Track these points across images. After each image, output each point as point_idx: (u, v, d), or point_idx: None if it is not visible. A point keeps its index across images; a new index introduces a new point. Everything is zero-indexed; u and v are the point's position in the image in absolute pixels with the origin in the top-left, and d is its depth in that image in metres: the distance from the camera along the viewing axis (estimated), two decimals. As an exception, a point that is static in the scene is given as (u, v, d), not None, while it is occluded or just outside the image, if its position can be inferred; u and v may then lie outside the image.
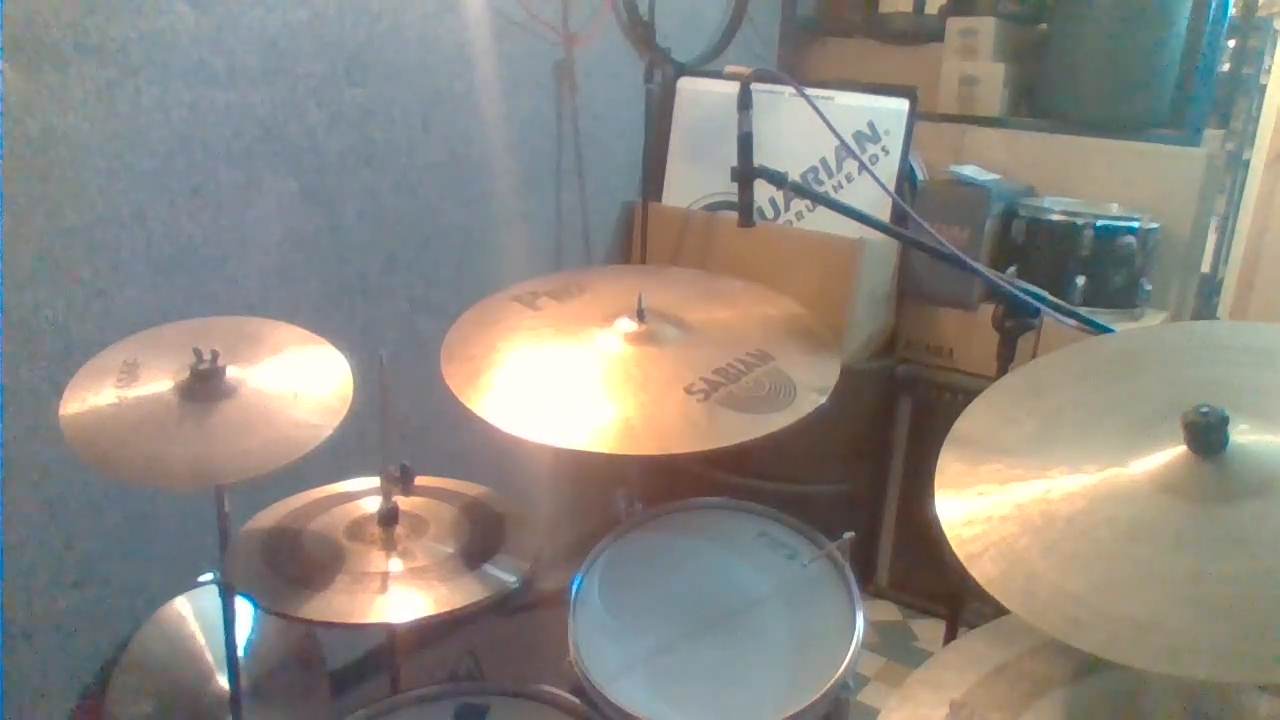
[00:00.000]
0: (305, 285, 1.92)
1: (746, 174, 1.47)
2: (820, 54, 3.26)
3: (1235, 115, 3.54)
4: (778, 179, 1.47)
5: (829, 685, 1.16)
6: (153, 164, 1.62)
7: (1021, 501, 0.90)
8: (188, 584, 1.74)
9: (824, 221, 2.35)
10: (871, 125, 2.44)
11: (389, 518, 1.37)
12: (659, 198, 2.67)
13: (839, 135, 1.47)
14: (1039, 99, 2.87)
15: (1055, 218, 2.44)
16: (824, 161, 2.48)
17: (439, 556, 1.34)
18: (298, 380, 1.32)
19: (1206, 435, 0.84)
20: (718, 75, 2.28)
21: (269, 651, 1.74)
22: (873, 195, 2.32)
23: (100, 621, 1.68)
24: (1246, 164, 3.67)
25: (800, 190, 1.55)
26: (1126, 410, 0.97)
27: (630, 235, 2.68)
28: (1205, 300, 3.55)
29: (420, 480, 1.47)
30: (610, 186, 2.64)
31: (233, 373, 1.28)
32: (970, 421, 1.04)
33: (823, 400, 1.32)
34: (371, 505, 1.42)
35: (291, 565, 1.31)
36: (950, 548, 0.89)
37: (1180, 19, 2.64)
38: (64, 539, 1.61)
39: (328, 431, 1.25)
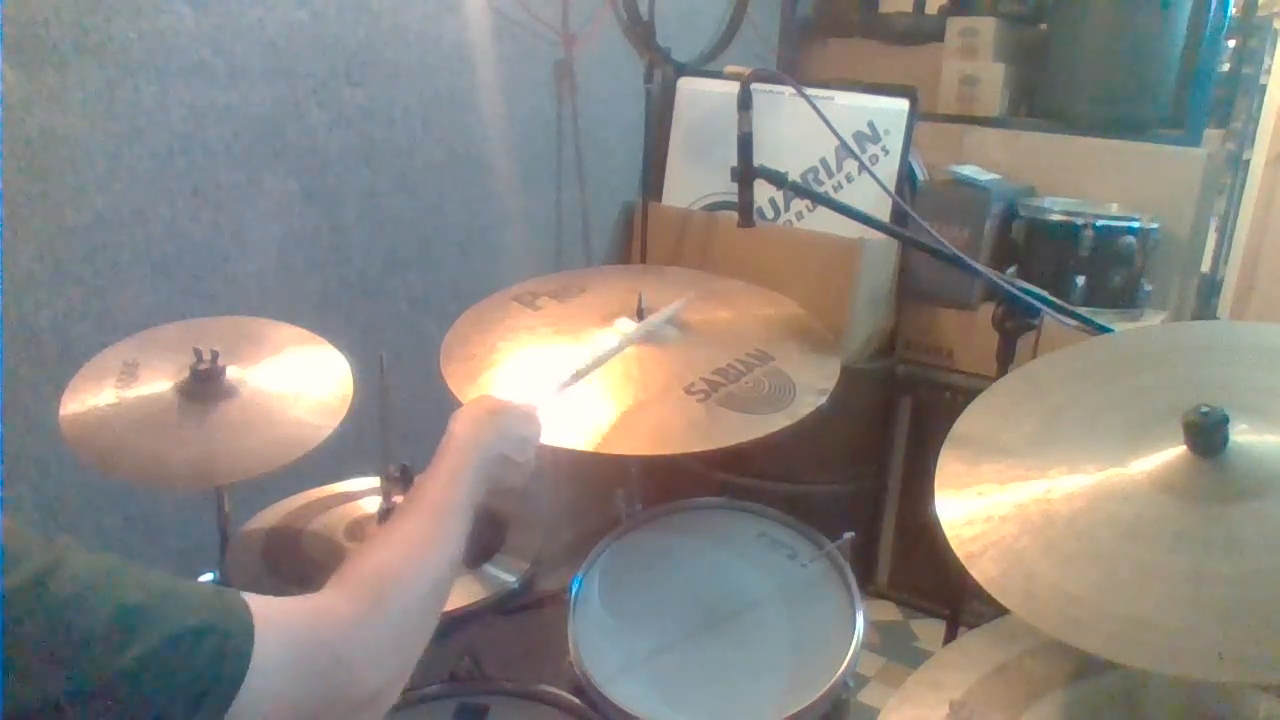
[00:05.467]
0: (305, 285, 1.92)
1: (746, 174, 1.47)
2: (820, 54, 3.25)
3: (1235, 115, 3.53)
4: (778, 179, 1.47)
5: (829, 685, 1.16)
6: (153, 164, 1.62)
7: (1021, 501, 0.90)
8: (188, 584, 1.74)
9: (824, 221, 2.34)
10: (871, 125, 2.44)
11: (389, 518, 1.37)
12: (659, 198, 2.67)
13: (839, 135, 1.47)
14: (1039, 99, 2.86)
15: (1055, 218, 2.44)
16: (824, 161, 2.48)
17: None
18: (298, 380, 1.32)
19: (1206, 435, 0.84)
20: (718, 75, 2.29)
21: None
22: (873, 195, 2.32)
23: (100, 621, 1.67)
24: (1246, 164, 3.67)
25: (800, 190, 1.55)
26: (1126, 410, 0.97)
27: (630, 235, 2.68)
28: (1205, 300, 3.55)
29: (420, 480, 1.47)
30: (610, 186, 2.64)
31: (233, 373, 1.28)
32: (970, 421, 1.04)
33: (822, 400, 1.32)
34: (371, 505, 1.43)
35: (291, 565, 1.31)
36: (950, 548, 0.89)
37: (1180, 19, 2.64)
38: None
39: (328, 431, 1.25)
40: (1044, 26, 2.88)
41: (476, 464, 0.96)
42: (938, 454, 1.00)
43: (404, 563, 0.81)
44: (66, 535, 0.63)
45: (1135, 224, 2.41)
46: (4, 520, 0.58)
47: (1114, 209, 2.51)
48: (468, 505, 0.92)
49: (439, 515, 0.88)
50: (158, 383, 1.27)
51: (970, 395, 1.08)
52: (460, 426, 1.00)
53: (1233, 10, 2.89)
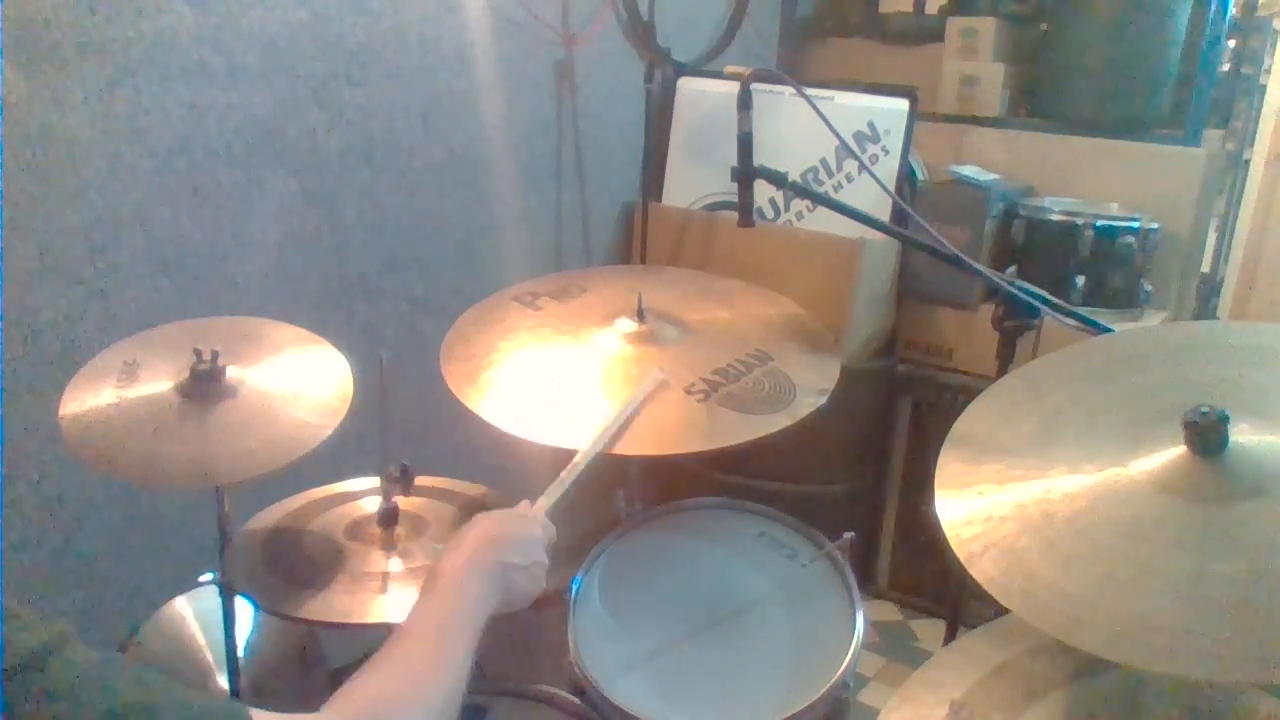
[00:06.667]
0: (305, 285, 1.92)
1: (746, 174, 1.47)
2: (820, 54, 3.26)
3: (1235, 115, 3.53)
4: (778, 179, 1.47)
5: (829, 685, 1.16)
6: (153, 164, 1.62)
7: (1021, 501, 0.90)
8: (188, 584, 1.73)
9: (824, 221, 2.35)
10: (871, 125, 2.44)
11: (389, 518, 1.37)
12: (659, 198, 2.67)
13: (839, 135, 1.47)
14: (1039, 99, 2.87)
15: (1055, 218, 2.44)
16: (824, 161, 2.48)
17: (439, 556, 1.33)
18: (298, 380, 1.32)
19: (1206, 435, 0.84)
20: (718, 75, 2.28)
21: (269, 651, 1.74)
22: (873, 195, 2.32)
23: (100, 621, 1.68)
24: (1246, 164, 3.67)
25: (800, 190, 1.55)
26: (1126, 410, 0.97)
27: (630, 235, 2.68)
28: (1205, 300, 3.55)
29: (420, 480, 1.47)
30: (610, 186, 2.64)
31: (233, 373, 1.28)
32: (970, 421, 1.04)
33: (822, 400, 1.32)
34: (371, 505, 1.42)
35: (291, 565, 1.31)
36: (950, 548, 0.89)
37: (1180, 19, 2.65)
38: (64, 539, 1.61)
39: (328, 431, 1.24)
40: (1044, 26, 2.88)
41: (477, 578, 0.92)
42: (938, 454, 1.00)
43: (403, 691, 0.78)
44: (64, 621, 0.61)
45: (1135, 224, 2.41)
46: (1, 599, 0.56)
47: (1114, 209, 2.51)
48: (472, 625, 0.88)
49: (440, 639, 0.84)
50: (158, 383, 1.26)
51: (970, 395, 1.08)
52: (454, 552, 0.95)
53: (1233, 10, 2.90)
